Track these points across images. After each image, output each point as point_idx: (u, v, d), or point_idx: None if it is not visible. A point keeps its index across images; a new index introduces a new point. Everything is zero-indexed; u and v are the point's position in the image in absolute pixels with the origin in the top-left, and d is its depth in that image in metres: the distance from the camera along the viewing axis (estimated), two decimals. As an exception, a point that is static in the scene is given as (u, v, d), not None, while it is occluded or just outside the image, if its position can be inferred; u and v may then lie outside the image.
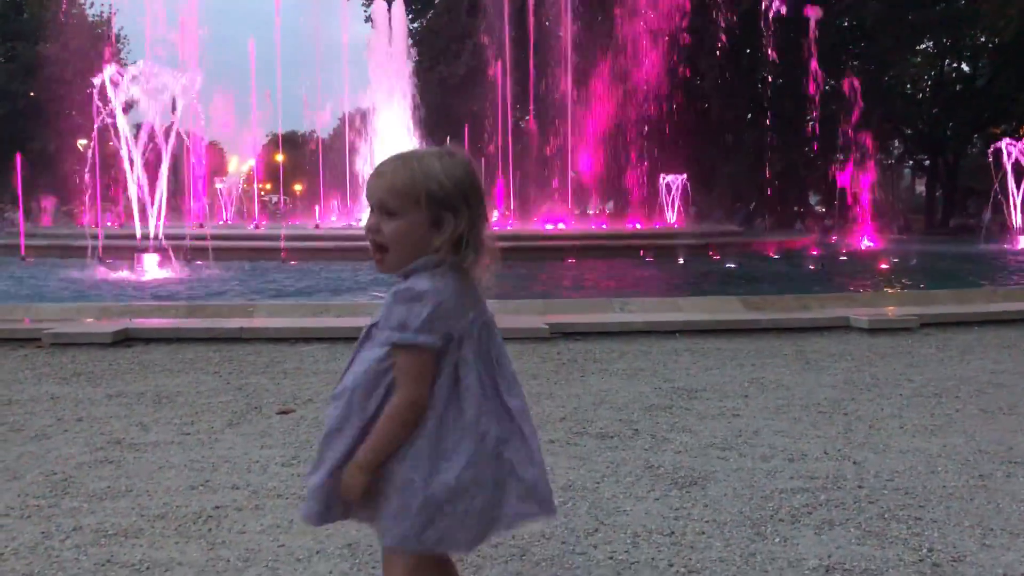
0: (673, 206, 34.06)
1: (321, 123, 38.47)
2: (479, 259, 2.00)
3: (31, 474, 3.89)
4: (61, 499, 3.56)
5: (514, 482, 2.00)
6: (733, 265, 18.90)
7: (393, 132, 30.40)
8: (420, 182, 1.96)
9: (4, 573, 2.85)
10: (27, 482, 3.78)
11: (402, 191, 1.97)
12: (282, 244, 18.41)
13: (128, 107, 15.03)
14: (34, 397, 5.38)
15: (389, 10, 32.10)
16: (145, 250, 13.96)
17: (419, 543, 1.99)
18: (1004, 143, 26.22)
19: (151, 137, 14.24)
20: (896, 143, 49.67)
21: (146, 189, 14.19)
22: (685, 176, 32.98)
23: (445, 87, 40.07)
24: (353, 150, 32.53)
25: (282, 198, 51.82)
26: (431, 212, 1.96)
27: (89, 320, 8.11)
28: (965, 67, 45.91)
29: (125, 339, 7.14)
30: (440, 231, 1.96)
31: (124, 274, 14.24)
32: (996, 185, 25.82)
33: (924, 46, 43.00)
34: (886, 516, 3.37)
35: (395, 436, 1.96)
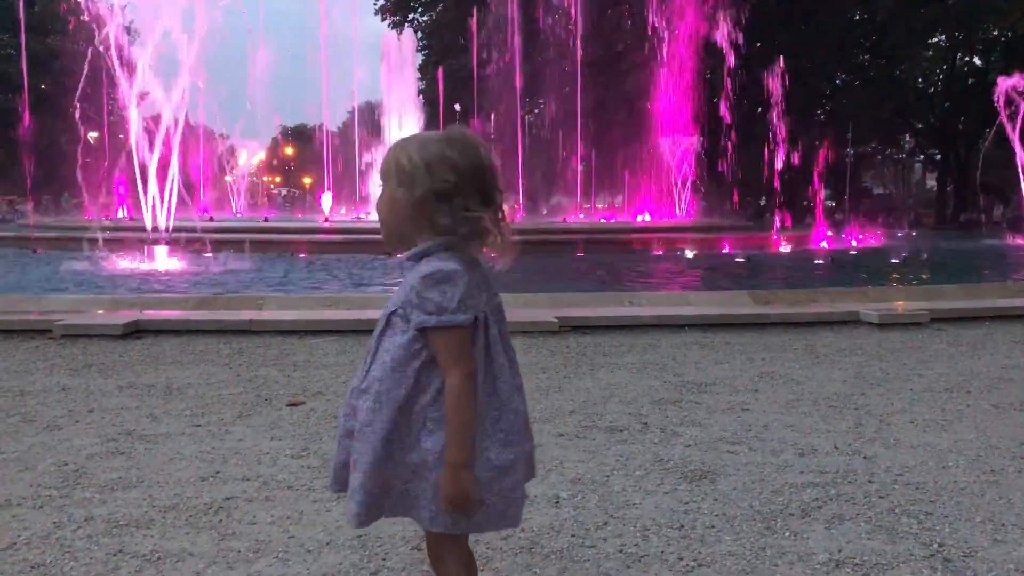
0: (683, 200, 33.98)
1: (330, 116, 38.48)
2: (481, 243, 2.00)
3: (43, 464, 3.91)
4: (73, 489, 3.58)
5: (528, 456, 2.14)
6: (742, 259, 18.86)
7: (401, 125, 30.40)
8: (394, 155, 2.01)
9: (17, 563, 2.87)
10: (39, 472, 3.80)
11: (385, 164, 2.03)
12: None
13: (141, 99, 15.06)
14: (46, 388, 5.41)
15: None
16: (156, 242, 14.00)
17: (470, 525, 2.02)
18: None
19: (160, 128, 14.26)
20: (907, 137, 49.46)
21: (152, 182, 14.21)
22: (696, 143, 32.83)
23: (454, 81, 40.03)
24: (362, 143, 32.56)
25: (286, 190, 51.86)
26: (402, 185, 1.97)
27: (99, 312, 8.14)
28: (977, 61, 45.63)
29: (135, 331, 7.17)
30: (437, 212, 1.96)
31: (134, 266, 14.29)
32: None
33: (936, 40, 42.76)
34: (896, 511, 3.36)
35: (468, 417, 1.96)
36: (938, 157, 48.79)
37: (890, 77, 41.72)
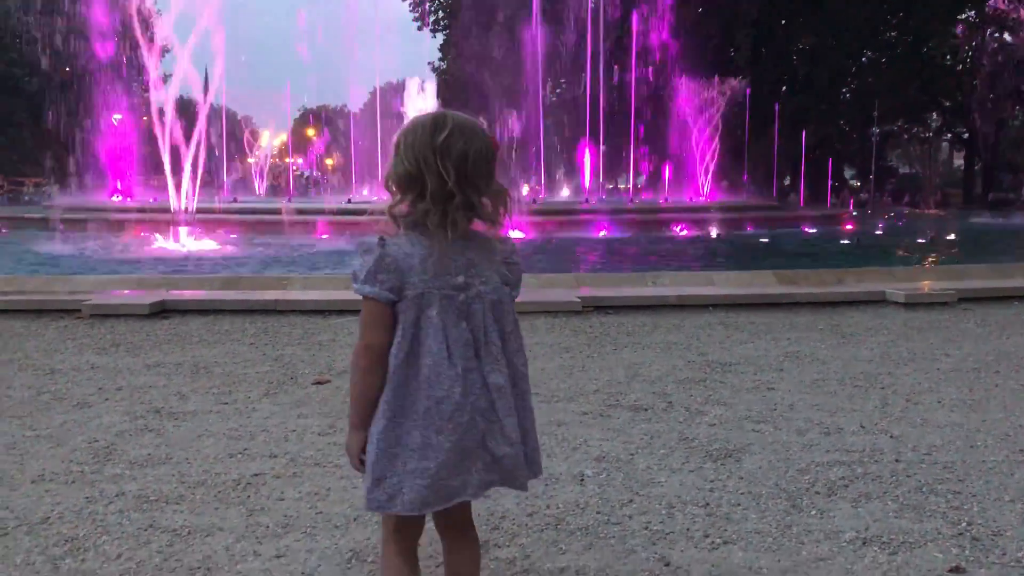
0: (706, 180, 33.76)
1: (353, 97, 38.49)
2: (447, 222, 1.91)
3: (74, 441, 3.96)
4: (104, 466, 3.63)
5: (483, 453, 1.99)
6: (766, 239, 18.73)
7: (423, 107, 30.35)
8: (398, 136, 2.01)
9: (51, 536, 2.91)
10: (70, 449, 3.85)
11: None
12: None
13: (164, 80, 15.14)
14: (75, 367, 5.47)
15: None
16: (180, 223, 14.11)
17: (368, 503, 1.99)
18: None
19: (184, 111, 14.34)
20: (934, 115, 48.80)
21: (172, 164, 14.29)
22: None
23: (478, 61, 39.86)
24: (385, 124, 32.56)
25: (308, 172, 51.98)
26: (392, 165, 1.97)
27: (126, 292, 8.22)
28: (1008, 37, 44.84)
29: (162, 310, 7.23)
30: (406, 192, 1.95)
31: (161, 246, 14.40)
32: None
33: (965, 16, 42.06)
34: (924, 490, 3.34)
35: (356, 383, 2.00)
36: (966, 135, 48.14)
37: (917, 54, 41.12)
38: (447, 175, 1.90)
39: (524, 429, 2.07)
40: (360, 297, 1.97)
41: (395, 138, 1.99)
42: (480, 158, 1.94)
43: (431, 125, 1.94)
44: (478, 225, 1.99)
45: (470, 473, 1.99)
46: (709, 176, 33.74)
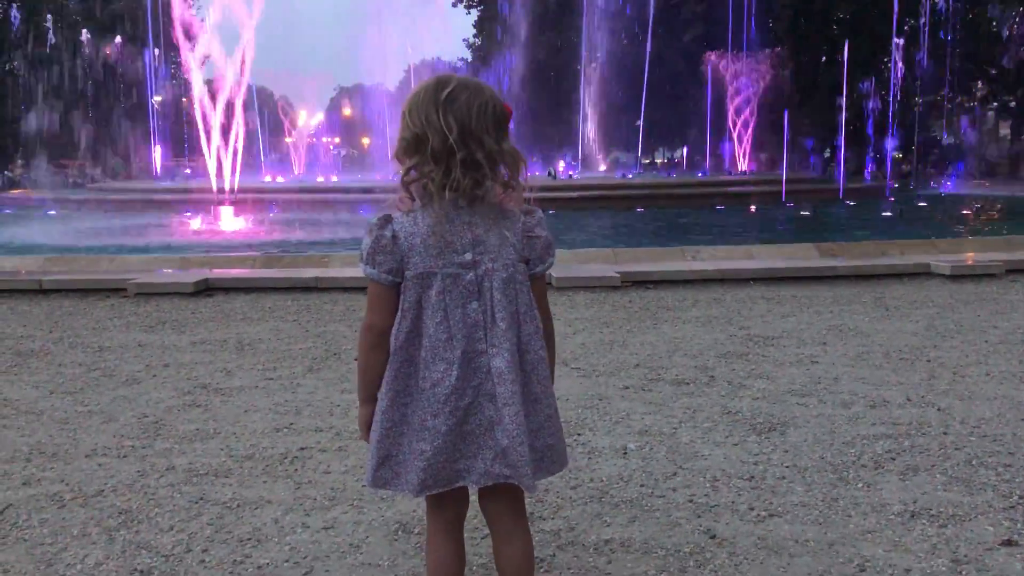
0: (744, 154, 33.38)
1: (388, 76, 38.52)
2: (450, 181, 1.83)
3: (124, 416, 4.04)
4: (154, 440, 3.70)
5: (491, 441, 1.91)
6: (807, 212, 18.49)
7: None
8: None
9: (105, 508, 2.98)
10: (121, 424, 3.93)
11: None
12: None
13: (203, 62, 15.27)
14: (123, 344, 5.58)
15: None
16: (223, 203, 14.26)
17: (373, 481, 1.99)
18: None
19: (223, 93, 14.44)
20: (979, 84, 47.65)
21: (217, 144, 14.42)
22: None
23: (514, 36, 39.68)
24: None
25: (345, 150, 52.17)
26: (400, 132, 1.90)
27: (170, 270, 8.34)
28: (1056, 1, 43.56)
29: (206, 289, 7.34)
30: (407, 161, 1.88)
31: (202, 226, 14.58)
32: None
33: (1012, -20, 40.89)
34: (973, 463, 3.30)
35: (361, 360, 2.00)
36: (1012, 104, 46.98)
37: (961, 21, 40.14)
38: (448, 131, 1.81)
39: (537, 424, 1.95)
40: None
41: (402, 107, 1.92)
42: (484, 112, 1.85)
43: (435, 84, 1.87)
44: (500, 197, 1.90)
45: (475, 458, 1.92)
46: (747, 149, 33.35)
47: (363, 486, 2.07)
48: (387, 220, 1.90)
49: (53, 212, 19.69)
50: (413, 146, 1.86)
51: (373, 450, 1.97)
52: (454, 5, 51.88)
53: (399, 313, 1.92)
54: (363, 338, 1.97)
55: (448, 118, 1.82)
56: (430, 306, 1.89)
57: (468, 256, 1.88)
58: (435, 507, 2.03)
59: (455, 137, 1.81)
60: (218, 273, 7.95)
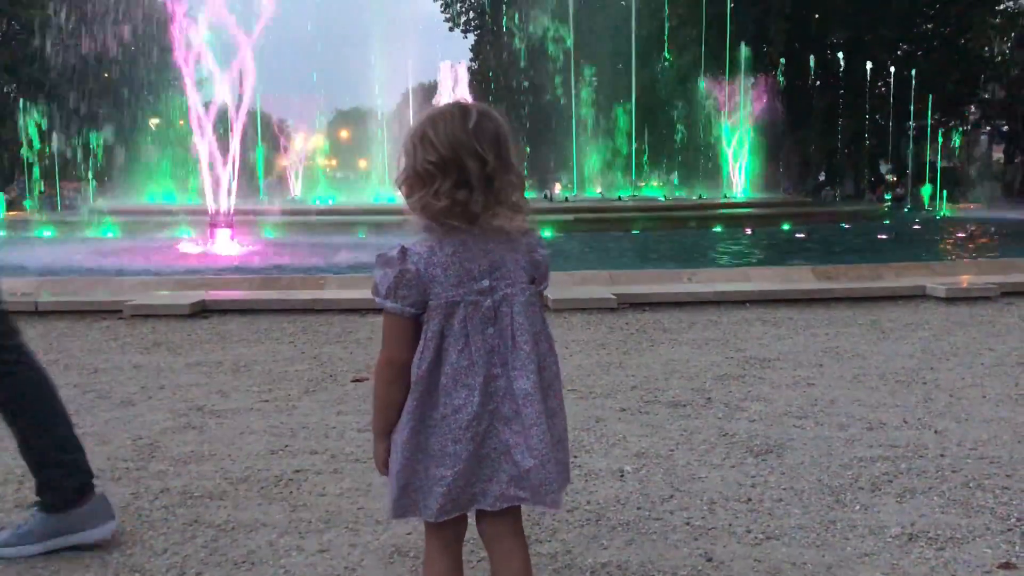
0: (740, 176, 33.54)
1: (385, 99, 38.67)
2: (460, 224, 1.86)
3: (119, 438, 4.02)
4: (148, 462, 3.69)
5: (507, 464, 1.93)
6: (802, 235, 18.55)
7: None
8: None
9: (99, 531, 2.96)
10: (115, 446, 3.91)
11: None
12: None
13: (200, 84, 15.30)
14: (118, 366, 5.56)
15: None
16: (218, 225, 14.24)
17: (394, 512, 1.99)
18: None
19: (220, 116, 14.47)
20: (972, 108, 48.00)
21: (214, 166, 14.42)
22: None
23: (509, 57, 39.96)
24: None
25: (342, 173, 52.32)
26: (411, 160, 1.89)
27: (166, 292, 8.33)
28: (1048, 27, 44.01)
29: (202, 310, 7.32)
30: (417, 192, 1.87)
31: (199, 248, 14.55)
32: None
33: (1003, 6, 41.37)
34: (971, 485, 3.29)
35: (378, 395, 1.99)
36: (1005, 128, 47.31)
37: (955, 46, 40.50)
38: (487, 156, 1.82)
39: (557, 437, 1.99)
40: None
41: (408, 137, 1.90)
42: (509, 140, 1.88)
43: (459, 112, 1.86)
44: (508, 220, 1.90)
45: (491, 482, 1.94)
46: (742, 172, 33.51)
47: (386, 519, 2.06)
48: (405, 252, 1.89)
49: (49, 234, 19.67)
50: (441, 170, 1.83)
51: (393, 481, 1.97)
52: (451, 29, 52.29)
53: (421, 343, 1.91)
54: (382, 374, 1.96)
55: (483, 144, 1.83)
56: (452, 334, 1.90)
57: (486, 283, 1.91)
58: (434, 526, 2.02)
59: (493, 165, 1.83)
60: (214, 294, 7.94)
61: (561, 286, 7.83)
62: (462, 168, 1.83)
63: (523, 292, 1.94)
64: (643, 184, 38.64)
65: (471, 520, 2.08)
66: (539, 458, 1.91)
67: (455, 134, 1.83)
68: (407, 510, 1.99)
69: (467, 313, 1.90)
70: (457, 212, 1.86)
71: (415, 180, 1.88)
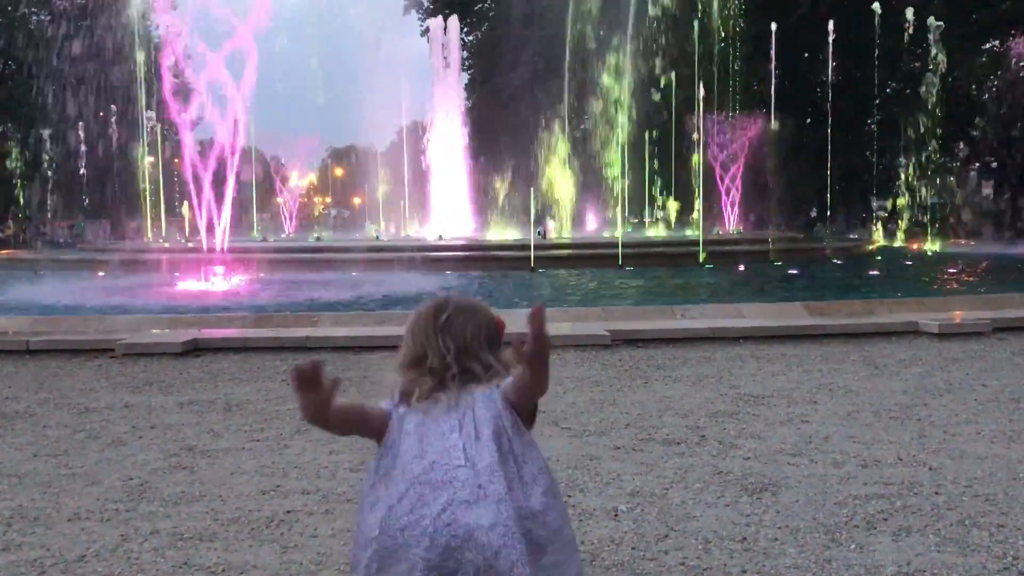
0: (732, 213, 33.70)
1: (379, 137, 38.93)
2: (441, 390, 2.03)
3: (109, 479, 3.99)
4: (138, 503, 3.65)
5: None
6: (794, 271, 18.59)
7: (447, 145, 30.69)
8: None
9: (87, 574, 2.92)
10: (105, 487, 3.88)
11: None
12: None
13: (194, 124, 15.37)
14: (109, 405, 5.52)
15: (445, 25, 32.58)
16: (212, 262, 14.23)
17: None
18: None
19: (216, 154, 14.51)
20: (961, 145, 48.47)
21: (206, 205, 14.45)
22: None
23: (500, 99, 40.29)
24: (411, 162, 32.89)
25: (336, 211, 52.55)
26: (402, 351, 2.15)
27: (159, 331, 8.30)
28: (1033, 65, 44.57)
29: (194, 349, 7.29)
30: (410, 371, 2.11)
31: (193, 286, 14.52)
32: None
33: (990, 45, 41.97)
34: (966, 523, 3.28)
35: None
36: (994, 165, 47.78)
37: (942, 84, 40.98)
38: (447, 351, 2.03)
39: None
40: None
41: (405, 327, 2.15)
42: (478, 333, 2.05)
43: (433, 310, 2.09)
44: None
45: None
46: (735, 210, 33.69)
47: None
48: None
49: (42, 272, 19.62)
50: (414, 364, 2.08)
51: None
52: (446, 67, 52.71)
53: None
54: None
55: (446, 340, 2.04)
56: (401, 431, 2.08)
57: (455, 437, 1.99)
58: None
59: (452, 356, 2.04)
60: (207, 333, 7.91)
61: (554, 323, 7.82)
62: (425, 361, 2.06)
63: (492, 423, 1.99)
64: (639, 220, 38.86)
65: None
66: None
67: (424, 332, 2.08)
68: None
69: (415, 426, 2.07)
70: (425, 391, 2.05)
71: (403, 366, 2.13)
